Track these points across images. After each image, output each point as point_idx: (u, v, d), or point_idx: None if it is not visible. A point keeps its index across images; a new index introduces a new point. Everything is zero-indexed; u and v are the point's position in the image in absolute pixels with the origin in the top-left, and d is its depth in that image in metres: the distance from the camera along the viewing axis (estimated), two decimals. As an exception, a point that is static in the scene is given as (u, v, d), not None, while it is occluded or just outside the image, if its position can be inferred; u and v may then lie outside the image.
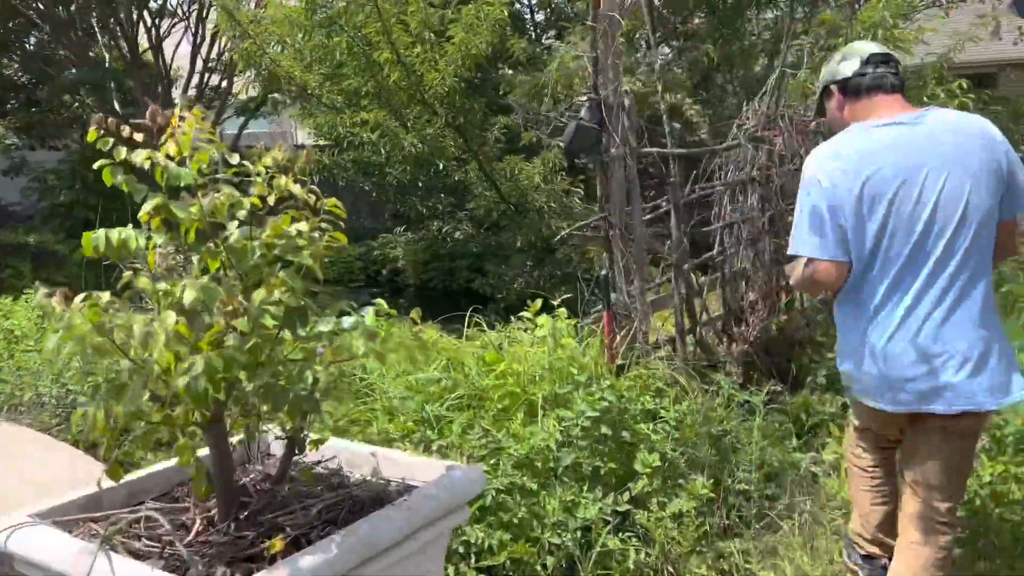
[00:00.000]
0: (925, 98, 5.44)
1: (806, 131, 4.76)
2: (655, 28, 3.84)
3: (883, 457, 2.57)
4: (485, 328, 4.62)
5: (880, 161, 2.21)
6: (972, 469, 2.60)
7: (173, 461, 2.34)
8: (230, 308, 1.67)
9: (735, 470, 3.39)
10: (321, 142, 9.00)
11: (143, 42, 14.41)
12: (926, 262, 2.22)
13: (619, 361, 3.59)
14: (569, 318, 4.01)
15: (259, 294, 1.65)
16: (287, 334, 1.84)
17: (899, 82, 2.36)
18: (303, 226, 1.77)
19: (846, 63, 2.40)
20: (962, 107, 4.89)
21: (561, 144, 7.02)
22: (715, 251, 4.34)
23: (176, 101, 14.60)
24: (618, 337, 3.64)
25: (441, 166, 7.05)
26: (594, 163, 3.51)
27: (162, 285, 1.83)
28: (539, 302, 4.12)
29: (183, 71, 15.06)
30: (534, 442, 3.07)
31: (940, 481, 2.34)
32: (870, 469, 2.58)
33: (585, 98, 3.43)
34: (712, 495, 3.18)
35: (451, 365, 3.82)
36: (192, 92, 14.61)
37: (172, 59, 15.07)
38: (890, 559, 2.49)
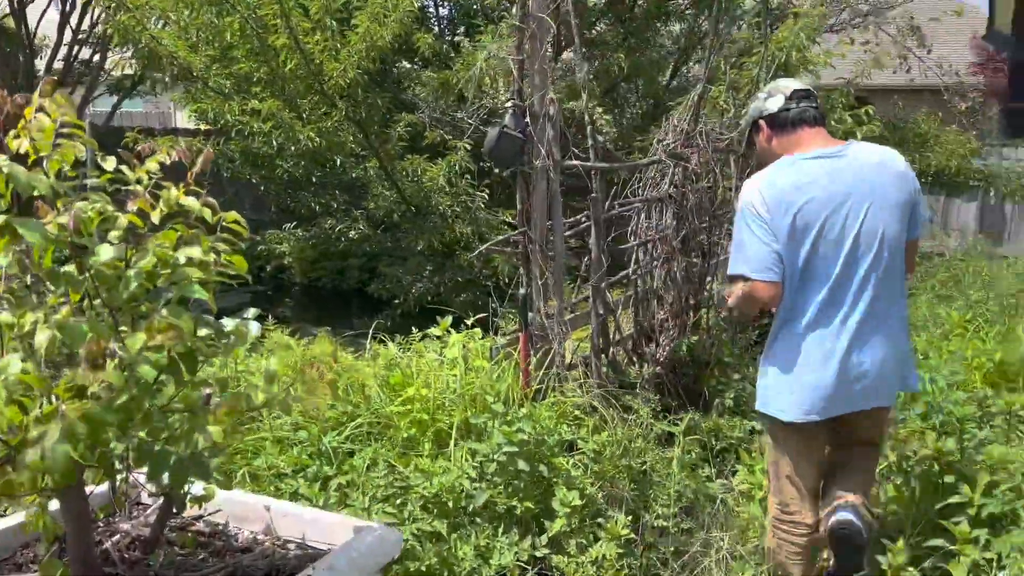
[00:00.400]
0: (833, 122, 5.52)
1: (722, 149, 4.69)
2: (580, 33, 3.64)
3: (815, 516, 2.70)
4: (386, 341, 4.31)
5: (811, 192, 2.45)
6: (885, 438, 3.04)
7: (15, 519, 1.94)
8: (98, 353, 1.31)
9: (653, 504, 3.23)
10: (203, 126, 8.34)
11: (3, 6, 13.07)
12: (852, 282, 2.50)
13: (536, 386, 3.36)
14: (483, 338, 3.76)
15: (137, 339, 1.30)
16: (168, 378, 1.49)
17: (820, 115, 2.62)
18: (195, 251, 1.43)
19: (772, 99, 2.64)
20: (869, 132, 4.98)
21: (468, 146, 6.80)
22: (631, 269, 4.19)
23: (40, 74, 13.35)
24: (534, 360, 3.41)
25: (338, 162, 6.62)
26: (515, 174, 3.27)
27: (5, 316, 1.45)
28: (449, 319, 3.85)
29: (50, 41, 13.75)
30: (445, 480, 2.79)
31: (860, 460, 2.80)
32: (804, 536, 2.71)
33: (509, 104, 3.18)
34: (632, 535, 3.00)
35: (351, 388, 3.48)
36: (59, 65, 13.37)
37: (37, 27, 13.75)
38: None
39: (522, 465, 2.87)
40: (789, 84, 2.67)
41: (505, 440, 2.90)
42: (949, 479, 3.23)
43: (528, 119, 3.22)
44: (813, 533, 2.70)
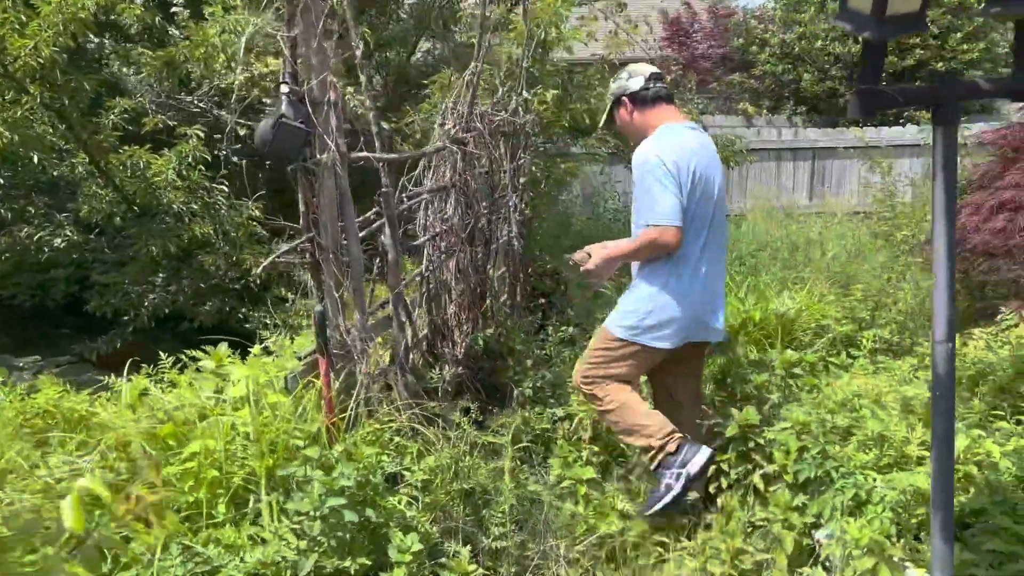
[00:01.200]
0: (592, 99, 5.55)
1: (496, 131, 4.48)
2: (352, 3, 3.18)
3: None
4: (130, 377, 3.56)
5: (698, 155, 3.00)
6: None
7: None
8: None
9: (488, 525, 2.97)
10: None
11: None
12: (718, 231, 3.10)
13: (342, 415, 2.92)
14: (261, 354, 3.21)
15: None
16: None
17: (670, 93, 3.16)
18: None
19: (633, 79, 3.13)
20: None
21: (201, 133, 5.92)
22: (423, 266, 3.84)
23: None
24: (336, 385, 2.96)
25: (35, 159, 5.42)
26: (296, 171, 2.76)
27: None
28: (223, 347, 3.24)
29: None
30: (263, 553, 2.29)
31: (699, 380, 3.47)
32: (631, 387, 3.21)
33: (286, 90, 2.66)
34: (475, 568, 2.71)
35: (107, 448, 2.77)
36: None
37: None
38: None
39: (350, 516, 2.45)
40: (646, 68, 3.16)
41: (325, 489, 2.45)
42: (758, 450, 3.34)
43: (309, 107, 2.73)
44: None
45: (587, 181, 9.19)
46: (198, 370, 3.55)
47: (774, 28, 13.54)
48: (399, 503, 2.66)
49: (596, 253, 3.06)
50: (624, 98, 3.12)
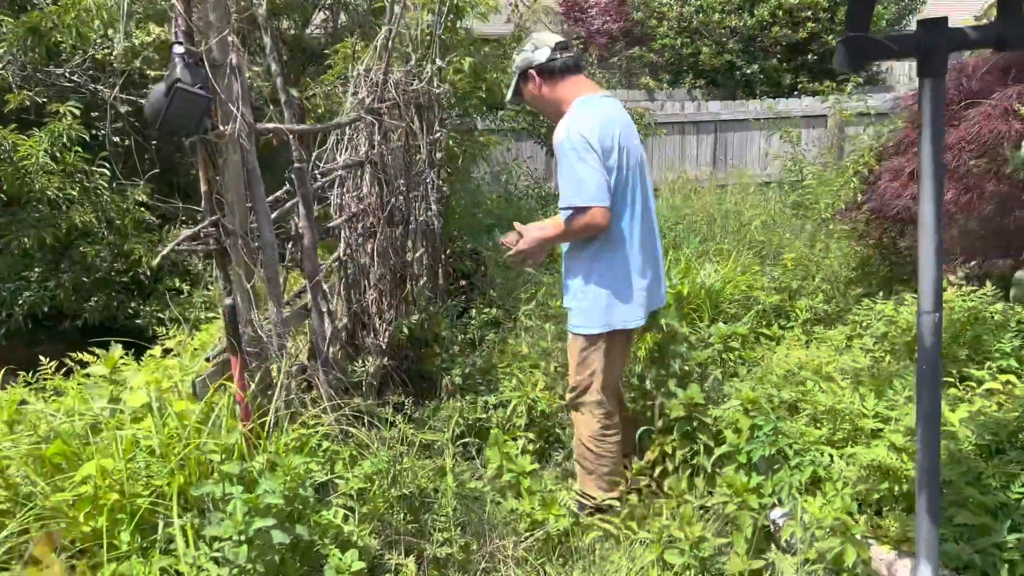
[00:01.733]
0: (509, 70, 5.29)
1: (411, 103, 4.16)
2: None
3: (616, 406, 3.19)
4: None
5: (616, 126, 2.82)
6: None
7: None
8: None
9: (432, 531, 2.71)
10: None
11: None
12: (648, 201, 3.00)
13: (265, 418, 2.59)
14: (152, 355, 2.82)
15: None
16: None
17: (579, 62, 2.95)
18: None
19: (539, 51, 2.91)
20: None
21: (77, 110, 5.31)
22: (341, 250, 3.51)
23: None
24: (252, 386, 2.62)
25: None
26: (195, 145, 2.40)
27: None
28: (117, 350, 2.83)
29: None
30: (180, 591, 1.96)
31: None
32: (615, 427, 3.14)
33: (180, 51, 2.28)
34: (424, 580, 2.46)
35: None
36: None
37: None
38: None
39: (279, 537, 2.14)
40: (551, 38, 2.92)
41: (248, 508, 2.14)
42: (704, 429, 3.21)
43: (208, 70, 2.36)
44: (617, 426, 3.16)
45: (495, 157, 8.97)
46: (87, 376, 3.13)
47: (671, 2, 13.57)
48: (333, 516, 2.36)
49: (528, 235, 2.88)
50: (531, 71, 2.91)
